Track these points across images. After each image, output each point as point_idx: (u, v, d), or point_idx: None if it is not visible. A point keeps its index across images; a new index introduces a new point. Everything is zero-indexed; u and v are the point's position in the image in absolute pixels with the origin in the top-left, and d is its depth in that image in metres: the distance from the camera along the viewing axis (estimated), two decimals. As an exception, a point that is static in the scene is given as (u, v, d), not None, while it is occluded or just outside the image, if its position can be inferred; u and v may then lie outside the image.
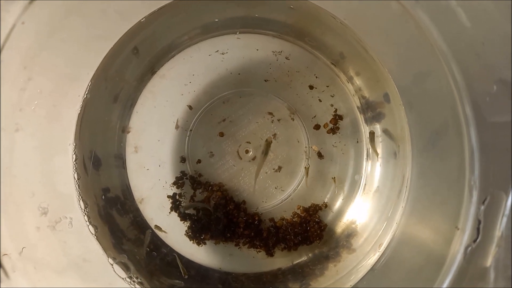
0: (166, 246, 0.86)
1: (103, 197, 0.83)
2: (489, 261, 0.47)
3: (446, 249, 0.53)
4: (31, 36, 0.56)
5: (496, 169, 0.49)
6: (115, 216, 0.84)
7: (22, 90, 0.57)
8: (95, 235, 0.74)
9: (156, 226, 0.84)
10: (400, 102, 0.74)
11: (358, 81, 0.88)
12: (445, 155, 0.60)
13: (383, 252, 0.71)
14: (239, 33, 0.86)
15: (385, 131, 0.85)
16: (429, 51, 0.54)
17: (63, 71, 0.65)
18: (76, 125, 0.75)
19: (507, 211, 0.45)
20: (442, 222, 0.59)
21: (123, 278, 0.73)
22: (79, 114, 0.74)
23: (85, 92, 0.72)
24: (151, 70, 0.86)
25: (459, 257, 0.51)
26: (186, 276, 0.83)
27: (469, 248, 0.50)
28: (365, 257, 0.81)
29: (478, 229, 0.49)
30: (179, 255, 0.83)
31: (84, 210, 0.73)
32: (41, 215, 0.63)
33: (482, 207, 0.49)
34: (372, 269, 0.71)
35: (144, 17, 0.71)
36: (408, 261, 0.66)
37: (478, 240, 0.49)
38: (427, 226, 0.64)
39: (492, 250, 0.47)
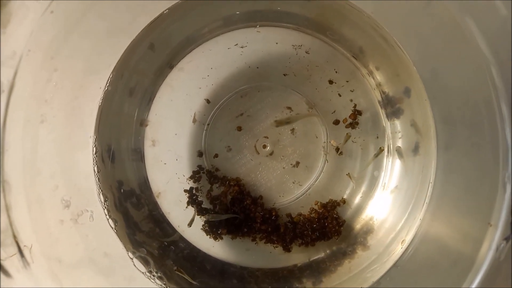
0: (184, 240, 0.85)
1: (121, 190, 0.83)
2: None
3: (476, 246, 0.52)
4: (55, 27, 0.55)
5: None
6: (130, 209, 0.83)
7: (48, 81, 0.56)
8: (114, 229, 0.73)
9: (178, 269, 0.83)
10: (425, 97, 0.73)
11: (378, 76, 0.87)
12: (475, 151, 0.59)
13: (407, 248, 0.71)
14: (259, 26, 0.85)
15: (405, 127, 0.84)
16: (462, 43, 0.53)
17: (85, 63, 0.65)
18: (96, 117, 0.74)
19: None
20: (472, 219, 0.58)
21: (143, 273, 0.72)
22: (99, 106, 0.74)
23: (106, 85, 0.71)
24: (169, 63, 0.85)
25: (491, 254, 0.50)
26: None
27: (502, 245, 0.50)
28: (381, 255, 0.81)
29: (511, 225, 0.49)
30: (188, 248, 0.82)
31: (104, 204, 0.73)
32: (64, 208, 0.63)
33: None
34: (395, 265, 0.70)
35: (166, 9, 0.70)
36: (434, 257, 0.65)
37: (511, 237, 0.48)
38: (455, 223, 0.63)
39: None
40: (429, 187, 0.73)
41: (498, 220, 0.51)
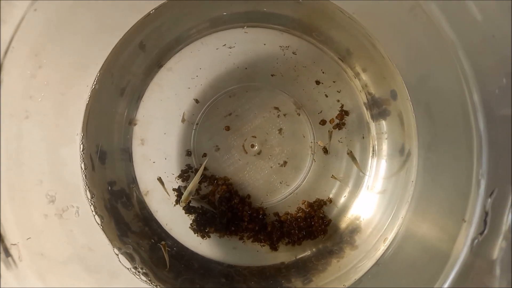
0: (171, 238, 0.86)
1: (109, 189, 0.84)
2: (496, 254, 0.47)
3: (452, 242, 0.53)
4: (42, 24, 0.56)
5: (504, 162, 0.49)
6: (120, 209, 0.84)
7: (32, 77, 0.57)
8: (101, 225, 0.74)
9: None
10: (408, 98, 0.74)
11: (364, 78, 0.88)
12: (453, 149, 0.60)
13: (388, 246, 0.71)
14: (247, 27, 0.86)
15: (391, 128, 0.85)
16: (438, 44, 0.54)
17: (71, 60, 0.66)
18: (84, 115, 0.75)
19: (513, 204, 0.45)
20: (448, 216, 0.59)
21: (128, 269, 0.73)
22: (87, 104, 0.75)
23: (93, 83, 0.73)
24: (158, 63, 0.86)
25: (465, 250, 0.51)
26: (166, 268, 0.82)
27: (476, 241, 0.50)
28: (368, 253, 0.81)
29: (485, 221, 0.49)
30: (176, 246, 0.83)
31: (91, 200, 0.74)
32: (48, 202, 0.64)
33: (490, 200, 0.49)
34: (377, 263, 0.71)
35: (153, 9, 0.71)
36: (413, 255, 0.66)
37: (485, 232, 0.49)
38: (433, 220, 0.64)
39: (499, 243, 0.47)
40: (411, 186, 0.74)
41: (472, 216, 0.52)
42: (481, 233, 0.49)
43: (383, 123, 0.87)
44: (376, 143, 0.87)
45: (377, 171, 0.87)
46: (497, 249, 0.47)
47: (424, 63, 0.66)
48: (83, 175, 0.73)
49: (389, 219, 0.79)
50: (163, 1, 0.72)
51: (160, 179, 0.86)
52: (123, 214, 0.85)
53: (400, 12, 0.62)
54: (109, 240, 0.75)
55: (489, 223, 0.48)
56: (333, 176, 0.88)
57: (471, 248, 0.50)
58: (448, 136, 0.62)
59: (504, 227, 0.46)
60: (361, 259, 0.82)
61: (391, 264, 0.69)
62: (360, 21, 0.72)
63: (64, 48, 0.64)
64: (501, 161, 0.49)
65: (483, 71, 0.50)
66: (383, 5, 0.64)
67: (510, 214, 0.46)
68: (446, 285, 0.51)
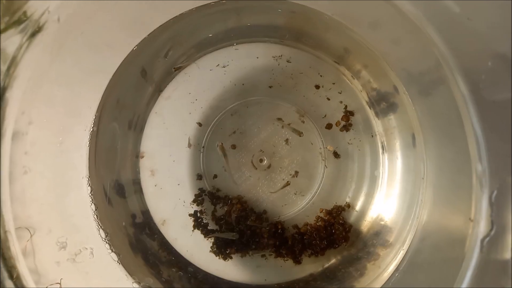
0: (193, 265, 0.86)
1: (133, 223, 0.85)
2: (509, 253, 0.43)
3: (463, 243, 0.49)
4: (25, 81, 0.58)
5: (505, 152, 0.45)
6: (146, 241, 0.85)
7: (24, 135, 0.59)
8: (118, 261, 0.75)
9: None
10: (405, 92, 0.70)
11: (367, 74, 0.85)
12: (453, 144, 0.56)
13: (407, 250, 0.68)
14: (236, 44, 0.86)
15: (399, 122, 0.81)
16: (418, 37, 0.51)
17: (63, 108, 0.67)
18: (89, 158, 0.77)
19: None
20: (456, 215, 0.55)
21: (149, 303, 0.74)
22: (89, 147, 0.76)
23: (91, 126, 0.74)
24: (156, 93, 0.87)
25: (476, 250, 0.47)
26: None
27: (486, 240, 0.46)
28: (395, 255, 0.78)
29: (492, 219, 0.45)
30: (198, 273, 0.83)
31: (105, 239, 0.75)
32: (59, 249, 0.65)
33: (494, 194, 0.45)
34: (397, 269, 0.67)
35: (135, 46, 0.72)
36: (429, 258, 0.62)
37: (493, 231, 0.45)
38: (445, 220, 0.60)
39: (511, 240, 0.43)
40: (424, 183, 0.70)
41: (478, 214, 0.47)
42: (489, 232, 0.45)
43: (392, 117, 0.83)
44: (384, 139, 0.84)
45: (391, 168, 0.83)
46: (509, 248, 0.43)
47: (408, 57, 0.63)
48: (94, 216, 0.75)
49: (405, 216, 0.75)
50: (143, 37, 0.72)
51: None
52: (149, 245, 0.86)
53: (376, 9, 0.59)
54: (129, 274, 0.76)
55: (496, 221, 0.44)
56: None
57: (481, 248, 0.46)
58: (445, 130, 0.58)
59: (512, 224, 0.42)
60: (392, 259, 0.79)
61: (411, 268, 0.65)
62: (341, 21, 0.69)
63: (54, 97, 0.66)
64: (501, 151, 0.45)
65: (465, 58, 0.46)
66: (357, 4, 0.61)
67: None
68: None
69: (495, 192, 0.45)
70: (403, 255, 0.69)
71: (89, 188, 0.75)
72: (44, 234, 0.64)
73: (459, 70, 0.47)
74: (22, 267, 0.59)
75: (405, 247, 0.70)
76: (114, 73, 0.73)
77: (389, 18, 0.58)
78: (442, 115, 0.59)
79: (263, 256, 0.86)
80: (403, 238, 0.77)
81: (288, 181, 0.87)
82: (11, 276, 0.57)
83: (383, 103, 0.84)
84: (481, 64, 0.44)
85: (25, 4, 0.57)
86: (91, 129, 0.75)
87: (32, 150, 0.62)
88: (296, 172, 0.88)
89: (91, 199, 0.75)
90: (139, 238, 0.85)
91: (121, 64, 0.73)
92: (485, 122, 0.46)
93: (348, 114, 0.86)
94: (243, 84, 0.88)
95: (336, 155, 0.87)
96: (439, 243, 0.61)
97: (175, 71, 0.87)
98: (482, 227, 0.47)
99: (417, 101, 0.69)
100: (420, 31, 0.50)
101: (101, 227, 0.75)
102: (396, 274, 0.66)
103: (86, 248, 0.70)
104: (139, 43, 0.72)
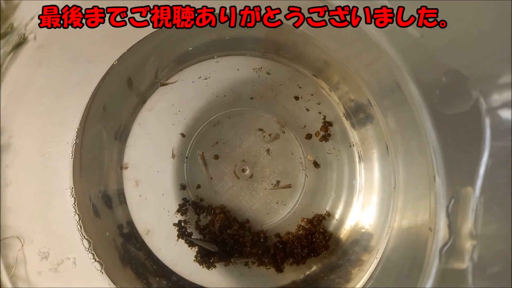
0: (176, 274, 0.87)
1: (121, 233, 0.86)
2: (466, 262, 0.44)
3: (425, 252, 0.51)
4: (6, 93, 0.60)
5: (460, 163, 0.46)
6: (133, 251, 0.87)
7: (5, 149, 0.61)
8: (101, 271, 0.76)
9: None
10: (375, 105, 0.72)
11: (345, 86, 0.87)
12: (417, 156, 0.58)
13: (380, 258, 0.69)
14: (217, 56, 0.88)
15: (375, 133, 0.83)
16: (375, 53, 0.53)
17: (45, 121, 0.69)
18: (73, 169, 0.79)
19: (475, 206, 0.43)
20: (421, 224, 0.56)
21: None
22: (73, 158, 0.78)
23: (73, 138, 0.76)
24: (138, 105, 0.89)
25: (436, 260, 0.48)
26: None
27: (444, 249, 0.48)
28: (372, 264, 0.79)
29: (449, 228, 0.47)
30: (182, 282, 0.84)
31: (88, 249, 0.76)
32: (41, 259, 0.67)
33: (451, 204, 0.47)
34: (371, 277, 0.68)
35: (116, 60, 0.74)
36: (398, 266, 0.64)
37: (451, 240, 0.46)
38: (412, 229, 0.62)
39: (467, 249, 0.44)
40: (396, 192, 0.72)
41: (437, 224, 0.49)
42: (447, 242, 0.47)
43: (369, 127, 0.85)
44: (360, 149, 0.85)
45: (367, 177, 0.85)
46: (467, 256, 0.44)
47: (376, 74, 0.65)
48: (78, 226, 0.76)
49: (385, 227, 0.77)
50: (124, 51, 0.74)
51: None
52: (136, 255, 0.87)
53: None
54: (113, 283, 0.77)
55: (453, 229, 0.46)
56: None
57: (440, 258, 0.48)
58: (410, 143, 0.59)
59: (470, 232, 0.44)
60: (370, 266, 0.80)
61: (383, 277, 0.66)
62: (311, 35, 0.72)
63: (36, 110, 0.68)
64: (457, 163, 0.47)
65: (420, 73, 0.48)
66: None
67: (472, 218, 0.43)
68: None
69: (452, 202, 0.47)
70: (376, 264, 0.70)
71: (72, 199, 0.76)
72: (26, 245, 0.66)
73: (416, 85, 0.48)
74: (3, 276, 0.61)
75: (378, 255, 0.71)
76: (100, 83, 0.75)
77: (355, 37, 0.60)
78: (406, 128, 0.61)
79: (246, 264, 0.87)
80: (380, 246, 0.79)
81: (289, 184, 0.88)
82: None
83: (361, 113, 0.86)
84: (436, 79, 0.46)
85: (12, 16, 0.60)
86: (74, 141, 0.76)
87: (14, 162, 0.64)
88: (278, 182, 0.89)
89: (74, 210, 0.77)
90: (127, 249, 0.87)
91: (106, 74, 0.75)
92: (441, 135, 0.48)
93: (327, 125, 0.88)
94: (225, 96, 0.90)
95: (316, 164, 0.88)
96: (406, 252, 0.62)
97: (161, 86, 0.89)
98: (441, 236, 0.48)
99: (387, 113, 0.71)
100: (382, 49, 0.52)
101: (84, 237, 0.76)
102: (370, 283, 0.68)
103: (69, 258, 0.71)
104: (122, 54, 0.74)
